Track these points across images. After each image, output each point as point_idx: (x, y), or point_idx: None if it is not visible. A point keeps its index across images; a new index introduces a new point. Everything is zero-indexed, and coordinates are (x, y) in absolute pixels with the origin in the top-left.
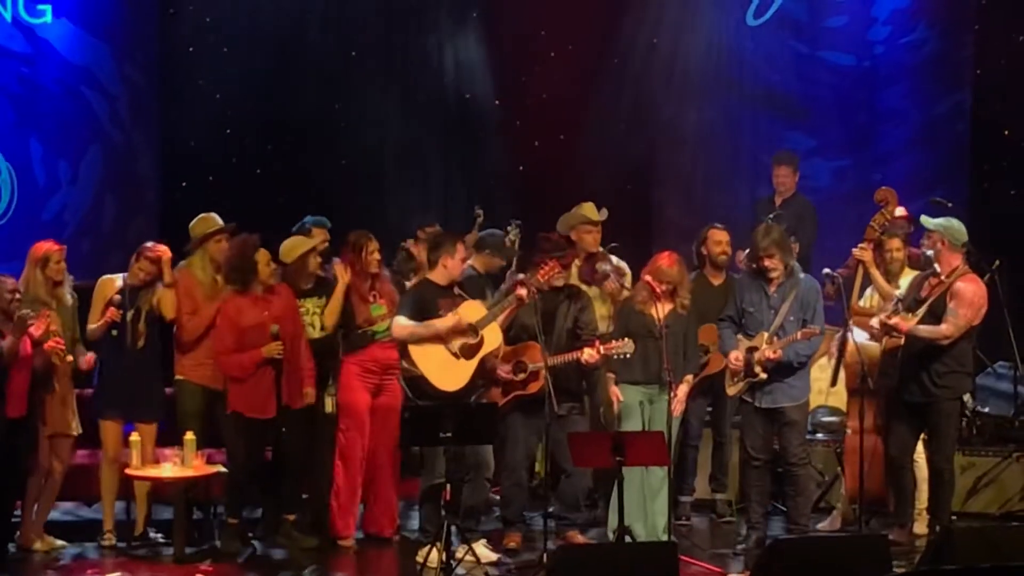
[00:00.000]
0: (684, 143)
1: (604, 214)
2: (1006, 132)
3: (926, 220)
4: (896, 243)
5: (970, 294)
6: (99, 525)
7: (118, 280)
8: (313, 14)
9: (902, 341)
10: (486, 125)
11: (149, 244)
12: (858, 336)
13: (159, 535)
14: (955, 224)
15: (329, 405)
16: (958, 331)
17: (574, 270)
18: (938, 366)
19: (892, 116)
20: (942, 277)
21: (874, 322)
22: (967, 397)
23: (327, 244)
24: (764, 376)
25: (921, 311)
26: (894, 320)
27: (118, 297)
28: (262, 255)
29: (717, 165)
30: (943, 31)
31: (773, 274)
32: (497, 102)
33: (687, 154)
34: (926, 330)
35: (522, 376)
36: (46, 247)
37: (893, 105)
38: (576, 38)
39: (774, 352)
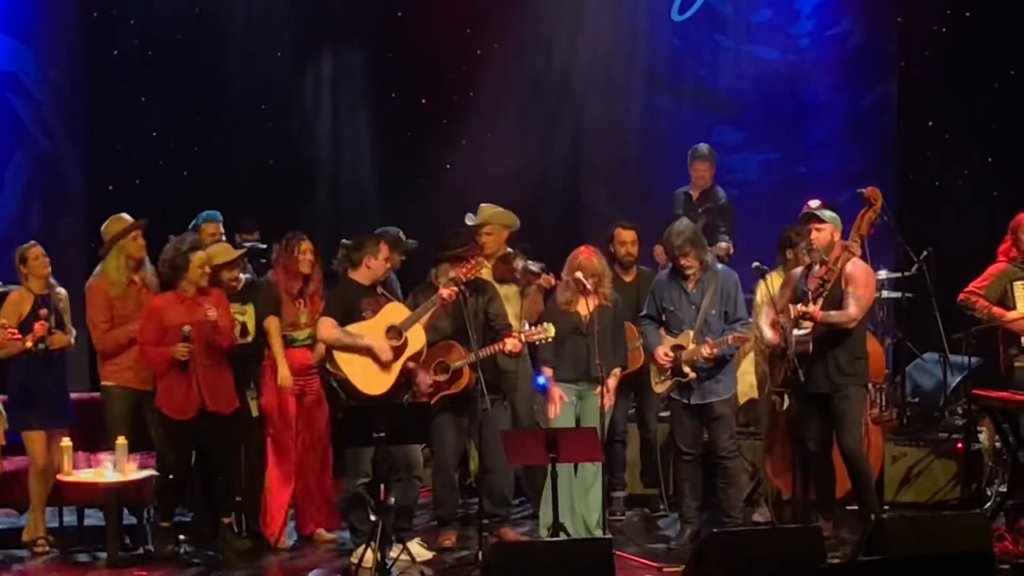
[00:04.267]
0: (611, 139)
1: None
2: (931, 123)
3: (823, 212)
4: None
5: (864, 275)
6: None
7: (25, 292)
8: (237, 16)
9: (810, 334)
10: (413, 124)
11: (26, 245)
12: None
13: (49, 538)
14: (835, 214)
15: (255, 408)
16: (862, 312)
17: (487, 272)
18: (843, 354)
19: (818, 109)
20: (830, 264)
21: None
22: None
23: (222, 237)
24: (693, 376)
25: (819, 300)
26: (806, 309)
27: (45, 311)
28: (197, 257)
29: (645, 160)
30: (867, 24)
31: (689, 271)
32: (423, 101)
33: (615, 150)
34: (836, 315)
35: (445, 376)
36: None
37: (819, 98)
38: (501, 36)
39: (709, 352)
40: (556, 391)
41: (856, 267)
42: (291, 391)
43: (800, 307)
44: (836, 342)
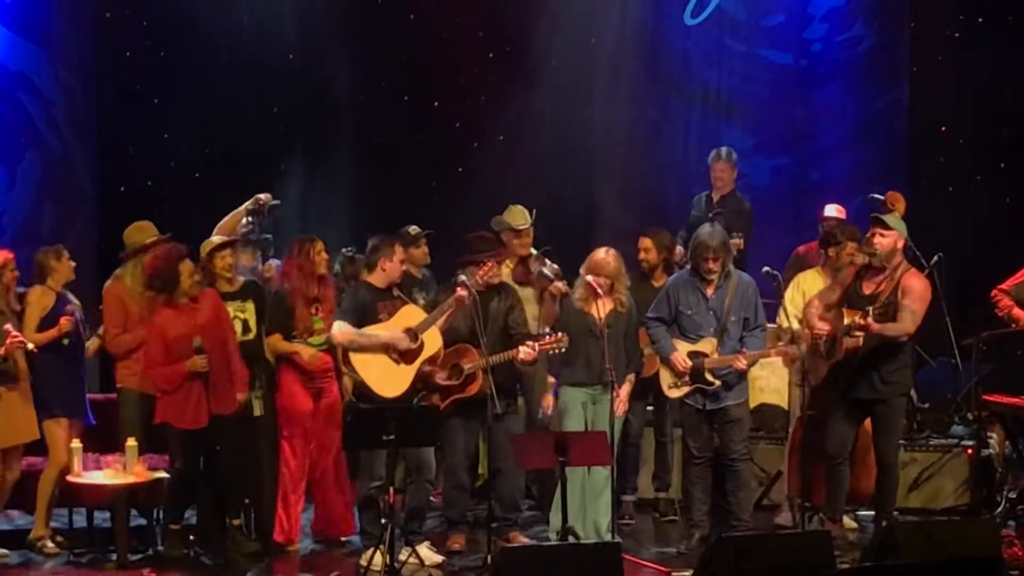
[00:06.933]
0: (623, 142)
1: (525, 218)
2: (943, 128)
3: (888, 219)
4: (853, 246)
5: (920, 288)
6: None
7: (47, 289)
8: (251, 18)
9: (860, 343)
10: (426, 127)
11: (57, 247)
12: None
13: (58, 538)
14: (902, 223)
15: (257, 408)
16: (915, 326)
17: (507, 271)
18: (889, 363)
19: (830, 113)
20: (889, 273)
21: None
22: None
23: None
24: (719, 384)
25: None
26: (863, 322)
27: (71, 307)
28: (185, 266)
29: (656, 164)
30: (879, 28)
31: (713, 276)
32: (436, 104)
33: (626, 154)
34: (892, 328)
35: (459, 380)
36: (3, 255)
37: (831, 102)
38: (514, 39)
39: (745, 364)
40: (548, 400)
41: (914, 279)
42: (307, 393)
43: (858, 319)
44: (883, 352)
